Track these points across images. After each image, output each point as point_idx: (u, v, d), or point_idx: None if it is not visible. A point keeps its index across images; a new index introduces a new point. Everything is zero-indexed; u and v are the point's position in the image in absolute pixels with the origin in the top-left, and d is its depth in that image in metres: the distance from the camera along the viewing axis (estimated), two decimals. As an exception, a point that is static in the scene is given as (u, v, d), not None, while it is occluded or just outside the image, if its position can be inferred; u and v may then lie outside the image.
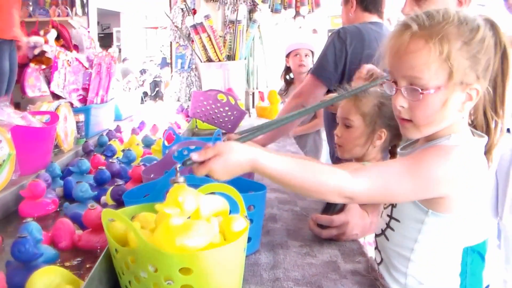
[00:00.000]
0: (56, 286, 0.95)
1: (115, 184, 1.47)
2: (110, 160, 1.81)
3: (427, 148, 1.00)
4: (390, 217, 1.09)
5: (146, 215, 1.04)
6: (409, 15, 0.99)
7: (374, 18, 2.29)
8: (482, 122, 1.03)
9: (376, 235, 1.14)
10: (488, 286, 2.77)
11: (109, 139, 2.32)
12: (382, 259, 1.11)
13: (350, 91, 1.43)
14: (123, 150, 2.04)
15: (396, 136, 1.53)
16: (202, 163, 0.96)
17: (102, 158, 1.97)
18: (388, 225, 1.10)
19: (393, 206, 1.10)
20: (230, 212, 1.05)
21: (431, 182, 0.94)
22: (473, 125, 1.05)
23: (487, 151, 1.04)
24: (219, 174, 0.96)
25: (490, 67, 0.96)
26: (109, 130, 2.55)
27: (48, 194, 1.58)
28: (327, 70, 2.18)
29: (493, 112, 1.02)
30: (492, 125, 1.03)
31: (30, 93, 3.74)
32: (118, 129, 2.64)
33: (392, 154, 1.60)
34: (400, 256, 1.06)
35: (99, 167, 1.68)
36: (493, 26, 0.97)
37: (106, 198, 1.52)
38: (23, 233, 1.07)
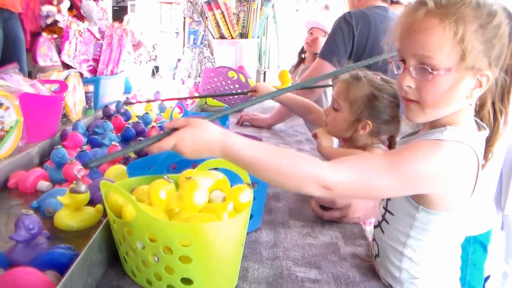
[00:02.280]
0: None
1: (138, 139, 1.72)
2: (137, 120, 2.05)
3: (415, 143, 0.95)
4: (386, 209, 1.07)
5: (144, 188, 1.04)
6: None
7: (378, 2, 2.28)
8: (489, 113, 0.99)
9: (374, 227, 1.13)
10: (488, 276, 2.78)
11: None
12: (378, 252, 1.09)
13: (349, 66, 1.41)
14: (137, 116, 2.25)
15: (386, 129, 1.53)
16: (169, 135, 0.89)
17: (123, 119, 2.16)
18: (383, 218, 1.07)
19: (388, 198, 1.07)
20: (232, 185, 1.06)
21: (414, 179, 0.90)
22: (479, 115, 1.00)
23: (490, 143, 1.00)
24: (186, 148, 0.88)
25: (503, 55, 0.92)
26: (127, 97, 2.68)
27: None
28: (336, 53, 2.17)
29: (500, 103, 0.98)
30: (499, 117, 0.99)
31: (41, 62, 3.74)
32: (134, 97, 2.78)
33: (390, 145, 1.59)
34: (394, 250, 1.03)
35: (126, 126, 1.93)
36: (510, 15, 0.93)
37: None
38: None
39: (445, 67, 0.89)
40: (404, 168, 0.89)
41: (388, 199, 1.07)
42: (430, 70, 0.89)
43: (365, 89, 1.51)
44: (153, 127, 1.82)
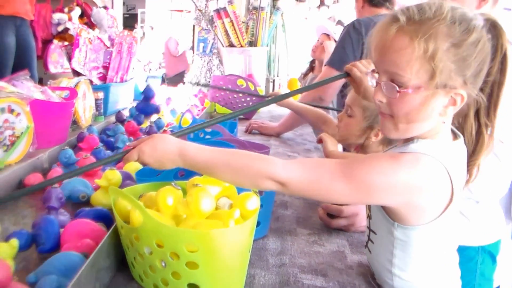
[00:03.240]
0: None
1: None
2: (150, 124, 2.19)
3: (376, 154, 0.95)
4: (369, 228, 1.05)
5: (152, 195, 1.05)
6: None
7: (382, 11, 2.28)
8: (471, 126, 0.96)
9: (364, 247, 1.11)
10: (498, 287, 2.75)
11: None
12: (373, 271, 1.09)
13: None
14: (149, 121, 2.39)
15: None
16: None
17: (135, 124, 2.25)
18: (369, 238, 1.06)
19: (369, 217, 1.05)
20: (239, 192, 1.06)
21: (366, 188, 0.88)
22: (462, 128, 0.98)
23: (474, 157, 0.97)
24: (148, 159, 0.99)
25: (483, 72, 0.90)
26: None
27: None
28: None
29: (486, 117, 0.95)
30: (484, 130, 0.96)
31: (52, 69, 3.78)
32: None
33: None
34: (384, 269, 1.01)
35: (139, 130, 2.14)
36: (495, 27, 0.90)
37: None
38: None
39: (413, 85, 0.87)
40: (355, 175, 0.89)
41: (370, 218, 1.05)
42: (398, 88, 0.88)
43: None
44: (164, 131, 1.89)
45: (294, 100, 2.20)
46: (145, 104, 2.51)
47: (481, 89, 0.92)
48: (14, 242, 1.01)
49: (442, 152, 0.90)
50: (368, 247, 1.07)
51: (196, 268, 0.90)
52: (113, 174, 1.38)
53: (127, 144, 1.68)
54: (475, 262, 1.67)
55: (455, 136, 0.97)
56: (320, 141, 1.65)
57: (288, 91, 3.66)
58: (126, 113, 2.48)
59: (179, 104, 2.88)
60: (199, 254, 0.89)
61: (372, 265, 1.07)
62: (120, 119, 2.38)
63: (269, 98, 1.28)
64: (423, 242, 0.95)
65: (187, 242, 0.89)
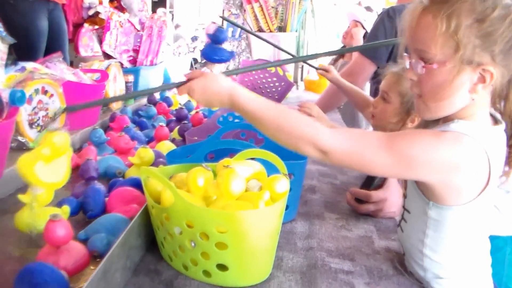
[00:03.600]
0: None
1: (182, 123, 1.86)
2: (180, 107, 2.19)
3: (418, 130, 0.95)
4: (404, 207, 1.06)
5: (183, 176, 1.06)
6: None
7: None
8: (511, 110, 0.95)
9: (397, 226, 1.12)
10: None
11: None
12: (404, 251, 1.08)
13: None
14: (179, 103, 2.46)
15: (432, 124, 1.51)
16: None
17: (166, 106, 2.36)
18: (402, 217, 1.07)
19: (405, 196, 1.06)
20: (268, 175, 1.07)
21: (407, 161, 0.89)
22: (504, 111, 0.96)
23: None
24: (197, 96, 1.02)
25: None
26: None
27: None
28: (378, 49, 2.15)
29: None
30: None
31: (83, 52, 3.82)
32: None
33: None
34: (415, 249, 1.01)
35: (169, 112, 2.25)
36: None
37: (173, 134, 1.87)
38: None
39: (439, 60, 0.89)
40: (398, 147, 0.89)
41: (405, 197, 1.05)
42: (423, 64, 0.91)
43: None
44: (196, 113, 1.95)
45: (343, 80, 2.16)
46: (213, 49, 2.39)
47: None
48: (66, 209, 1.13)
49: (481, 134, 0.90)
50: (401, 226, 1.07)
51: (225, 248, 0.92)
52: (145, 152, 1.44)
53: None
54: (503, 252, 1.66)
55: (495, 121, 0.96)
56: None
57: (317, 78, 3.65)
58: (157, 95, 2.53)
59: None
60: (228, 234, 0.90)
61: (403, 245, 1.08)
62: (152, 102, 2.42)
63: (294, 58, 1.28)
64: (456, 224, 0.95)
65: (217, 223, 0.90)
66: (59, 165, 1.08)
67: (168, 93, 2.70)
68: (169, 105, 2.43)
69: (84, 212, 1.21)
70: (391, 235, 1.24)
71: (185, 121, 1.91)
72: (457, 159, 0.88)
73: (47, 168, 1.05)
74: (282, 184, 1.01)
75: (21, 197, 1.08)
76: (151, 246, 1.08)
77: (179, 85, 1.04)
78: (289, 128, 0.94)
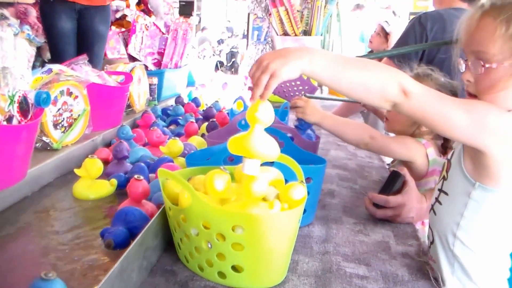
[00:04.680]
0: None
1: (210, 120, 1.96)
2: (209, 106, 2.35)
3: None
4: (440, 190, 1.09)
5: (201, 178, 1.07)
6: None
7: (457, 3, 2.20)
8: None
9: (429, 211, 1.14)
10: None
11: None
12: (433, 238, 1.10)
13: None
14: (206, 104, 2.63)
15: None
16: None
17: (194, 106, 2.46)
18: (437, 199, 1.09)
19: (444, 179, 1.08)
20: (286, 182, 1.07)
21: (483, 123, 0.93)
22: None
23: None
24: (268, 56, 0.98)
25: None
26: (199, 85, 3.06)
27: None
28: (407, 55, 2.13)
29: None
30: None
31: (109, 54, 3.88)
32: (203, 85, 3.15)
33: (444, 149, 1.56)
34: (448, 231, 1.04)
35: (197, 112, 2.38)
36: None
37: (201, 130, 1.99)
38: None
39: (497, 60, 0.94)
40: (477, 109, 0.94)
41: (444, 180, 1.08)
42: (482, 63, 0.95)
43: (431, 85, 1.50)
44: (220, 111, 2.12)
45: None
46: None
47: None
48: (114, 182, 1.41)
49: None
50: (433, 209, 1.11)
51: (241, 250, 0.93)
52: (174, 144, 1.57)
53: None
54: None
55: None
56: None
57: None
58: (184, 97, 2.68)
59: (234, 89, 2.97)
60: (245, 236, 0.91)
61: (435, 229, 1.10)
62: (181, 103, 2.49)
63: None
64: (496, 208, 0.98)
65: (233, 224, 0.91)
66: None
67: (196, 94, 2.85)
68: (197, 105, 2.51)
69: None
70: (409, 240, 1.24)
71: (213, 119, 1.98)
72: None
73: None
74: (298, 191, 1.01)
75: (77, 171, 1.39)
76: (168, 247, 1.09)
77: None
78: (377, 69, 0.98)
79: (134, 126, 2.07)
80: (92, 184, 1.39)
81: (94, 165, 1.39)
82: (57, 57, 3.01)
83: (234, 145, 0.98)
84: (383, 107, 0.99)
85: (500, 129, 0.93)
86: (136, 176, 1.22)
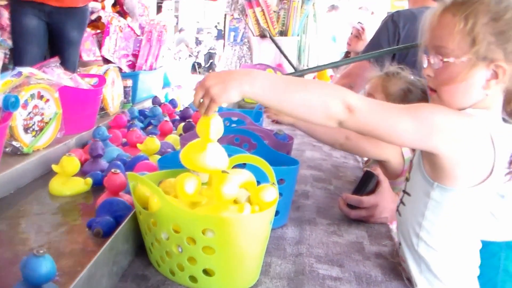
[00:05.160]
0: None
1: (187, 121, 1.98)
2: (186, 107, 2.37)
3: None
4: (404, 191, 1.09)
5: (171, 181, 1.06)
6: None
7: (429, 3, 2.21)
8: None
9: (396, 211, 1.14)
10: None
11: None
12: (400, 241, 1.10)
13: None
14: (182, 105, 2.64)
15: None
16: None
17: (171, 107, 2.49)
18: (401, 200, 1.09)
19: (407, 180, 1.09)
20: (259, 183, 1.07)
21: (429, 125, 0.93)
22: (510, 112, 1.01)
23: None
24: (209, 79, 0.98)
25: None
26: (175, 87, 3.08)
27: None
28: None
29: None
30: None
31: (85, 57, 3.83)
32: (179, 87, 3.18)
33: None
34: (411, 232, 1.04)
35: (174, 112, 2.42)
36: None
37: (178, 130, 2.02)
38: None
39: (456, 55, 0.95)
40: (421, 113, 0.94)
41: (407, 180, 1.09)
42: (441, 58, 0.97)
43: (401, 83, 1.53)
44: (197, 111, 2.03)
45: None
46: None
47: None
48: (89, 181, 1.44)
49: (491, 123, 0.95)
50: (399, 210, 1.10)
51: (212, 253, 0.92)
52: (151, 141, 1.62)
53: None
54: (498, 258, 1.65)
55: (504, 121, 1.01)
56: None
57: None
58: (162, 98, 2.68)
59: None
60: (215, 239, 0.91)
61: (400, 230, 1.10)
62: (157, 103, 2.52)
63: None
64: (456, 208, 0.98)
65: (203, 227, 0.90)
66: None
67: (173, 95, 2.83)
68: (174, 106, 2.53)
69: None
70: (383, 241, 1.24)
71: (190, 120, 2.01)
72: (470, 138, 0.93)
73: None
74: (269, 193, 1.01)
75: (54, 167, 1.43)
76: (140, 251, 1.08)
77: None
78: (318, 88, 0.98)
79: (109, 128, 2.03)
80: (67, 181, 1.43)
81: (71, 163, 1.43)
82: (18, 56, 2.91)
83: (185, 160, 1.03)
84: (329, 125, 0.97)
85: (448, 129, 0.93)
86: (113, 170, 1.28)
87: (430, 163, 1.00)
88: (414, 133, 0.93)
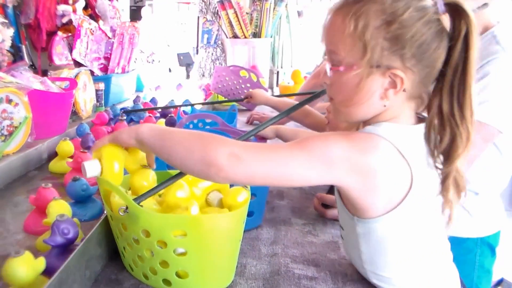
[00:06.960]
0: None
1: (169, 116, 2.10)
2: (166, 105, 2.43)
3: (330, 132, 0.91)
4: (340, 225, 1.03)
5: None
6: None
7: None
8: (433, 121, 0.87)
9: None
10: (501, 280, 2.74)
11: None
12: None
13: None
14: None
15: None
16: None
17: (152, 105, 2.52)
18: (341, 235, 1.06)
19: (339, 213, 1.01)
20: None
21: (325, 158, 0.82)
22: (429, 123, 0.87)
23: (448, 162, 0.86)
24: (108, 135, 1.00)
25: (428, 54, 0.83)
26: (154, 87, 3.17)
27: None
28: None
29: (450, 116, 0.84)
30: (459, 123, 0.84)
31: (57, 61, 3.77)
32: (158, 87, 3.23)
33: None
34: (358, 265, 1.00)
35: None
36: (455, 9, 0.82)
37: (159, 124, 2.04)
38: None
39: (347, 63, 0.85)
40: (312, 146, 0.83)
41: (339, 214, 1.01)
42: (331, 66, 0.88)
43: None
44: (176, 108, 2.25)
45: (271, 97, 2.21)
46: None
47: (439, 79, 0.86)
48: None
49: (399, 136, 0.85)
50: (343, 244, 1.07)
51: (184, 255, 0.91)
52: None
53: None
54: (474, 254, 1.67)
55: (420, 119, 0.91)
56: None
57: (292, 82, 3.65)
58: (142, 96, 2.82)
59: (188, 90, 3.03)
60: (187, 240, 0.90)
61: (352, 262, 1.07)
62: (137, 102, 2.63)
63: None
64: (386, 235, 0.90)
65: (173, 229, 0.89)
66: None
67: (155, 94, 2.90)
68: (155, 104, 2.55)
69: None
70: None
71: (171, 115, 2.11)
72: (372, 161, 0.83)
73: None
74: (241, 195, 1.01)
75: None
76: (114, 255, 1.06)
77: None
78: (202, 138, 0.86)
79: (92, 126, 2.07)
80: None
81: (68, 146, 1.63)
82: None
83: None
84: (207, 174, 0.85)
85: (344, 159, 0.82)
86: (44, 185, 1.20)
87: (344, 196, 0.92)
88: (312, 167, 0.83)
